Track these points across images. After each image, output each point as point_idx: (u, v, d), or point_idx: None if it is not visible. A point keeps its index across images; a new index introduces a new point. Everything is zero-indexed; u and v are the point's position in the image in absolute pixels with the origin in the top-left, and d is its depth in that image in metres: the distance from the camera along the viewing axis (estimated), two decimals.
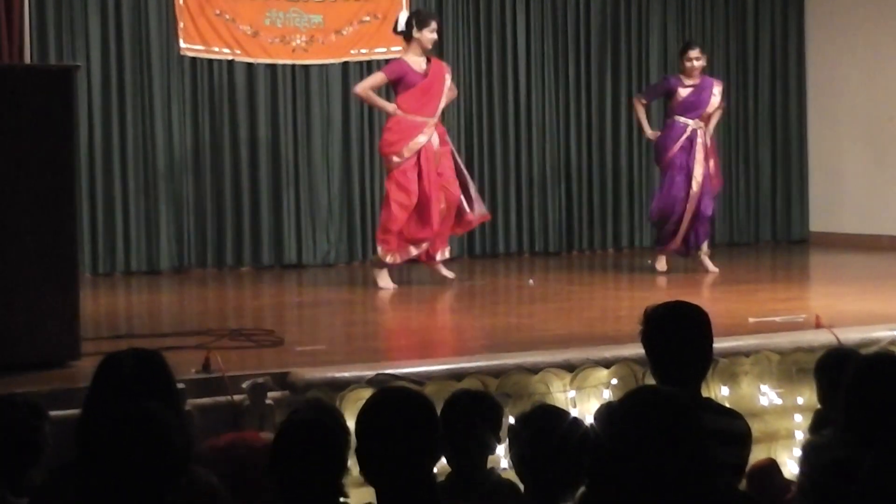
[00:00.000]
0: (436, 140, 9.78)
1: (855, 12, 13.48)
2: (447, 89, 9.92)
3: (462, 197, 9.98)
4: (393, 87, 9.99)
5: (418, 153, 9.68)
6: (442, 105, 9.90)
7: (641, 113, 11.11)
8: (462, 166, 10.20)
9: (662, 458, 2.76)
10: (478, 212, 10.16)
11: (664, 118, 11.22)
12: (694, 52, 10.81)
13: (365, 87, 9.95)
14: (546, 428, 3.85)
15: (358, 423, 3.27)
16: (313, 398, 5.43)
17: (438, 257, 10.02)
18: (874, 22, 13.28)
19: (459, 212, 10.01)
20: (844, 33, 13.60)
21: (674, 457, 2.76)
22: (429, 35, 9.80)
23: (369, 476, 3.25)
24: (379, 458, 3.18)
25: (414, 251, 9.86)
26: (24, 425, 4.31)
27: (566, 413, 4.15)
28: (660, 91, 11.21)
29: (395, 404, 3.28)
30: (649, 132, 11.01)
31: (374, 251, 10.07)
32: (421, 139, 9.69)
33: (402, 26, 9.87)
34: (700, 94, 10.74)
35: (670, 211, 10.70)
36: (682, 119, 10.75)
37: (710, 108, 10.78)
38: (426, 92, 9.78)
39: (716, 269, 10.83)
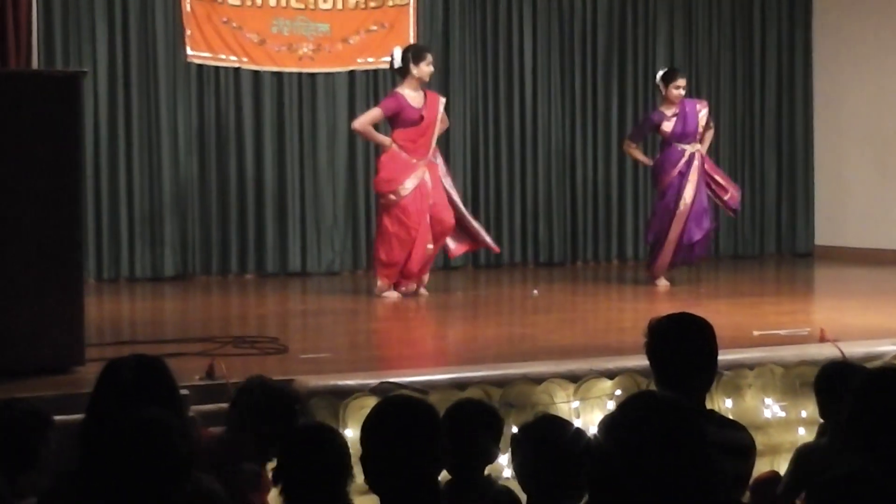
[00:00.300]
0: (429, 179, 9.81)
1: (861, 25, 13.47)
2: (439, 121, 9.95)
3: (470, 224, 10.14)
4: (389, 121, 10.02)
5: (415, 189, 9.72)
6: (434, 141, 9.94)
7: (637, 153, 11.25)
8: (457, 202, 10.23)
9: (663, 464, 2.73)
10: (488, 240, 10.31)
11: (660, 144, 11.10)
12: (682, 80, 10.78)
13: (364, 122, 10.00)
14: (548, 438, 3.86)
15: (363, 430, 3.28)
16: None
17: (422, 286, 10.08)
18: (880, 35, 13.28)
19: (472, 232, 10.13)
20: (850, 47, 13.60)
21: (675, 462, 2.74)
22: (426, 69, 9.85)
23: (373, 484, 3.25)
24: (383, 466, 3.19)
25: (412, 285, 9.94)
26: (19, 428, 4.31)
27: (569, 423, 4.15)
28: (646, 129, 11.12)
29: (399, 412, 3.29)
30: (649, 161, 11.04)
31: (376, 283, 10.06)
32: (414, 178, 9.75)
33: (398, 62, 9.89)
34: (685, 120, 10.66)
35: (663, 234, 10.69)
36: (679, 145, 10.70)
37: (700, 129, 10.72)
38: (423, 133, 9.84)
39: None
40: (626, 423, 2.84)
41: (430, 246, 9.83)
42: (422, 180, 9.76)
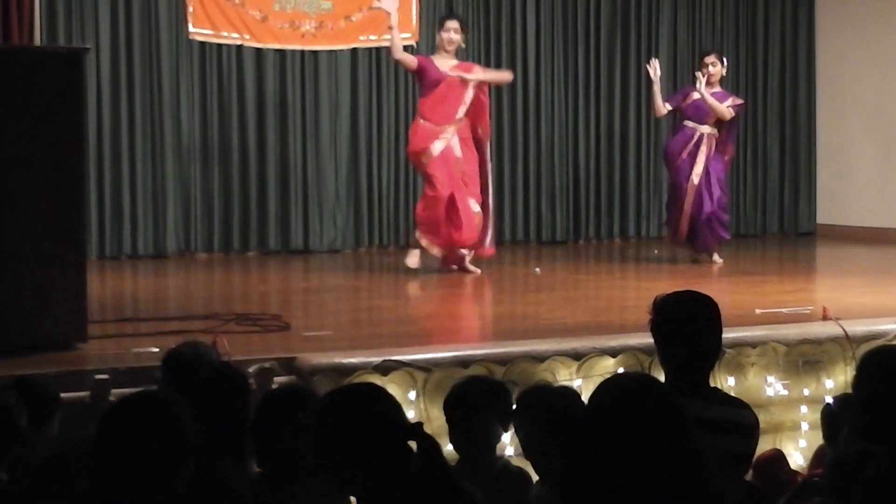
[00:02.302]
0: (456, 145, 9.79)
1: (864, 6, 13.45)
2: (471, 87, 9.86)
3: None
4: (417, 81, 10.08)
5: (442, 154, 9.71)
6: (466, 104, 9.83)
7: (657, 99, 10.91)
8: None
9: (641, 445, 2.72)
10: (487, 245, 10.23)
11: (674, 122, 11.13)
12: (707, 58, 10.80)
13: (401, 56, 9.96)
14: (552, 404, 3.87)
15: (317, 430, 3.11)
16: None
17: (468, 259, 10.02)
18: (883, 15, 13.26)
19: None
20: (854, 27, 13.58)
21: (652, 443, 2.73)
22: (445, 35, 9.91)
23: (343, 484, 3.13)
24: (347, 462, 3.03)
25: (446, 252, 9.90)
26: (28, 406, 4.31)
27: (566, 389, 4.17)
28: (678, 98, 10.99)
29: (344, 403, 3.13)
30: (663, 109, 10.88)
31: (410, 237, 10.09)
32: (438, 145, 9.72)
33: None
34: (699, 102, 10.69)
35: (677, 207, 10.72)
36: (690, 123, 10.72)
37: (724, 118, 10.69)
38: (441, 101, 9.81)
39: (720, 261, 10.81)
40: (603, 406, 2.83)
41: (477, 209, 9.82)
42: (448, 145, 9.75)
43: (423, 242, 9.83)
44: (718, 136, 10.77)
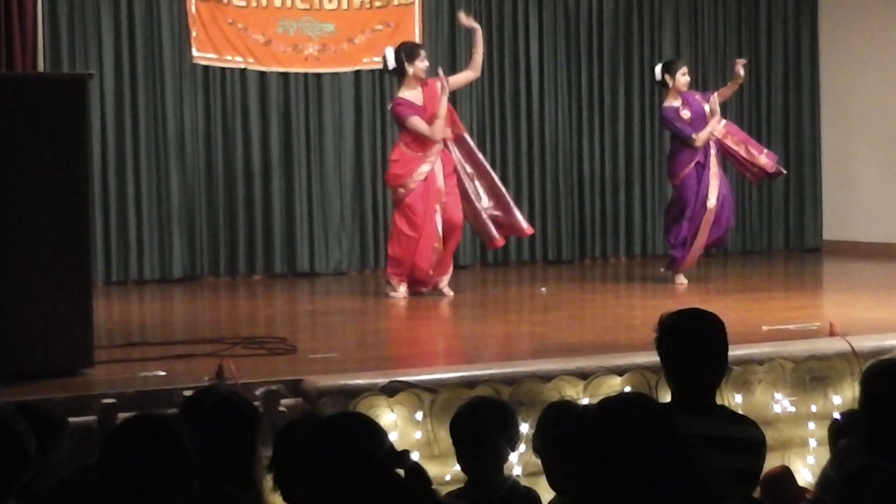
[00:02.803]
0: (439, 171, 9.77)
1: (868, 19, 13.45)
2: (443, 105, 9.76)
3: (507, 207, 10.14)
4: (397, 125, 10.01)
5: (423, 183, 9.69)
6: (441, 118, 9.78)
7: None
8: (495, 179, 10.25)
9: (637, 464, 2.72)
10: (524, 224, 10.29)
11: (671, 138, 10.89)
12: (686, 67, 10.75)
13: (419, 128, 9.72)
14: (562, 423, 3.89)
15: (305, 459, 3.09)
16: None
17: (441, 285, 10.00)
18: (887, 28, 13.25)
19: (510, 221, 10.13)
20: (858, 40, 13.57)
21: (649, 462, 2.73)
22: (420, 65, 9.80)
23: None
24: (335, 491, 2.99)
25: (422, 288, 9.88)
26: (35, 431, 4.30)
27: (576, 404, 4.18)
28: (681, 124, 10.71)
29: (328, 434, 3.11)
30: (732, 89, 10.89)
31: (387, 282, 10.03)
32: (424, 168, 9.71)
33: (392, 64, 9.83)
34: (691, 106, 10.55)
35: (691, 235, 10.52)
36: (692, 135, 10.46)
37: (710, 109, 10.57)
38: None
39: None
40: (597, 428, 2.83)
41: (437, 245, 9.75)
42: (431, 173, 9.70)
43: (399, 294, 9.80)
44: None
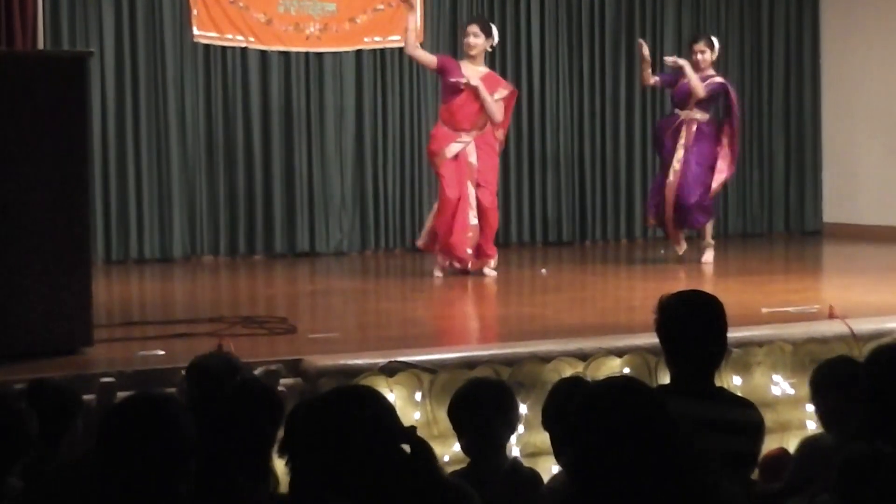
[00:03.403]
0: (473, 152, 9.77)
1: (870, 3, 13.43)
2: (492, 103, 9.79)
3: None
4: (440, 80, 10.06)
5: (454, 161, 9.72)
6: (490, 111, 9.81)
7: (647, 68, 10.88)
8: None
9: (631, 448, 2.72)
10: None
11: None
12: (697, 45, 10.81)
13: (416, 52, 9.94)
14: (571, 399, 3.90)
15: (309, 433, 3.04)
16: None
17: (486, 269, 9.99)
18: (889, 13, 13.23)
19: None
20: (859, 24, 13.55)
21: (643, 446, 2.72)
22: (464, 40, 9.93)
23: (335, 488, 3.03)
24: (339, 465, 2.95)
25: (455, 263, 9.87)
26: (51, 407, 4.31)
27: (586, 381, 4.19)
28: (669, 78, 10.99)
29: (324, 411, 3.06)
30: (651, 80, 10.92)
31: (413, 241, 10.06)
32: (454, 147, 9.74)
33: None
34: (681, 87, 10.69)
35: (655, 202, 10.81)
36: (676, 110, 10.79)
37: (697, 95, 10.61)
38: (461, 107, 9.77)
39: (709, 261, 10.75)
40: (588, 413, 2.83)
41: (474, 222, 9.72)
42: (463, 152, 9.74)
43: (437, 273, 9.84)
44: (721, 127, 10.76)
